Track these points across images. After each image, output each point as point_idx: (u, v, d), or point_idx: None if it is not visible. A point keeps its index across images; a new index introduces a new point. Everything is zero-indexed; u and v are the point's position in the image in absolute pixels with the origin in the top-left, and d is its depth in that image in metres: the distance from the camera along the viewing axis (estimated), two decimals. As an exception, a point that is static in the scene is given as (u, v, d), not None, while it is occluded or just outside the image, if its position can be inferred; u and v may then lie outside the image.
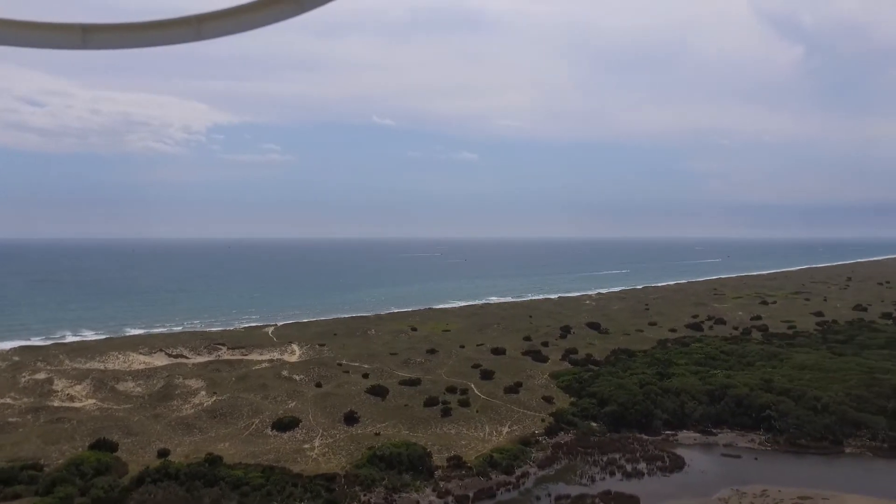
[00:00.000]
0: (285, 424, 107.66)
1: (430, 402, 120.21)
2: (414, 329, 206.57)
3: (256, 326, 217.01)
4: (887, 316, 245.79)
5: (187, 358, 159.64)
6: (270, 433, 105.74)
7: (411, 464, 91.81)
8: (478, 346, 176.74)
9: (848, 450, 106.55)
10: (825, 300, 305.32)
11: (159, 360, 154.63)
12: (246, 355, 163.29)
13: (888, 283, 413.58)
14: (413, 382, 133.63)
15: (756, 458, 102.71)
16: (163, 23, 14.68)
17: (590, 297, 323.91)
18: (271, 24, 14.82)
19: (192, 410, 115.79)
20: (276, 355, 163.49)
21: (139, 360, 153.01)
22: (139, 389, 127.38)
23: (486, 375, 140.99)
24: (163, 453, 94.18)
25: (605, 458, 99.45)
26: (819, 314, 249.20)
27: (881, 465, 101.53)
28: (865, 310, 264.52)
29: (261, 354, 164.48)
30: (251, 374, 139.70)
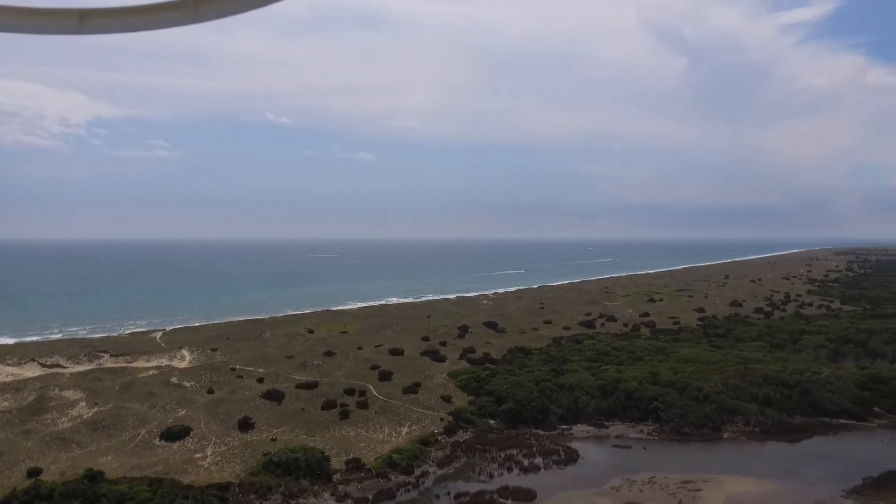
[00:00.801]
0: (175, 434, 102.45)
1: (328, 405, 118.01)
2: (311, 331, 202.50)
3: (143, 332, 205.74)
4: (759, 311, 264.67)
5: (64, 367, 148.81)
6: (159, 444, 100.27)
7: (309, 468, 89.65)
8: (376, 347, 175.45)
9: (726, 435, 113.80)
10: (706, 297, 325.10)
11: (31, 371, 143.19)
12: (131, 362, 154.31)
13: (760, 280, 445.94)
14: (310, 385, 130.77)
15: (645, 448, 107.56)
16: (160, 6, 14.42)
17: (487, 296, 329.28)
18: (271, 3, 14.43)
19: (70, 424, 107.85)
20: (164, 361, 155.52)
21: (6, 372, 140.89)
22: (5, 404, 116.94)
23: (385, 376, 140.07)
24: (33, 472, 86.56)
25: (502, 455, 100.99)
26: (701, 310, 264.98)
27: (754, 447, 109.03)
28: (741, 305, 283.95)
29: (148, 361, 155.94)
30: (137, 382, 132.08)
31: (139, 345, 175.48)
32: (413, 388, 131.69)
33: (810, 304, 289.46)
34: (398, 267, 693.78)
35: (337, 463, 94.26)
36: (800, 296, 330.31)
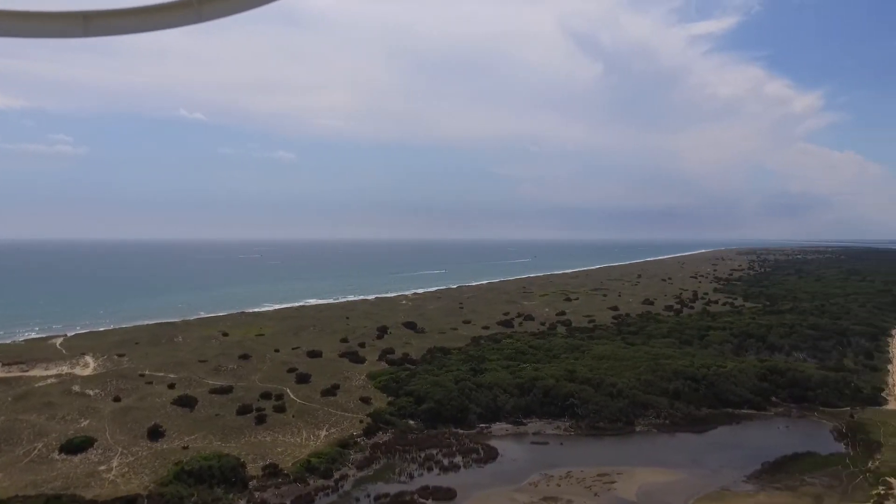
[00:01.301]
0: (76, 446, 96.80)
1: (244, 410, 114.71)
2: (225, 334, 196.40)
3: (41, 338, 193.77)
4: (670, 309, 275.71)
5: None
6: (58, 457, 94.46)
7: (223, 476, 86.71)
8: (293, 349, 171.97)
9: (638, 428, 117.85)
10: (620, 296, 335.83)
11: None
12: (27, 371, 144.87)
13: (670, 279, 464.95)
14: (225, 390, 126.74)
15: (562, 444, 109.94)
16: (164, 6, 14.52)
17: (406, 297, 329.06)
18: (272, 1, 15.18)
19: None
20: (65, 369, 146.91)
21: None
22: None
23: (303, 379, 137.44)
24: None
25: (422, 455, 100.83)
26: (615, 308, 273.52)
27: (664, 439, 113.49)
28: (652, 303, 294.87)
29: (46, 369, 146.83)
30: (33, 393, 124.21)
31: (36, 352, 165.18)
32: (332, 391, 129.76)
33: (716, 302, 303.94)
34: (317, 268, 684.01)
35: (253, 469, 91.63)
36: (707, 294, 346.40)
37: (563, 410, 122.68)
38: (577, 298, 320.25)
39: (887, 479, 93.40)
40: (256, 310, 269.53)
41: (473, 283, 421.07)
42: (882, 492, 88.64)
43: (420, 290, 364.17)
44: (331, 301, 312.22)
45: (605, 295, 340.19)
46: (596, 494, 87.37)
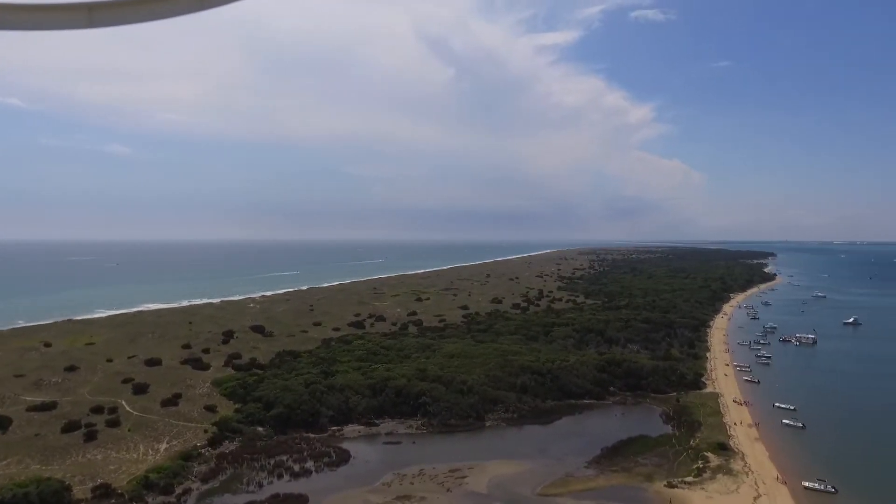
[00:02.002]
0: None
1: (71, 427, 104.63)
2: (48, 345, 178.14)
3: None
4: (517, 307, 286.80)
5: None
6: None
7: (43, 503, 78.24)
8: (129, 358, 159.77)
9: (488, 423, 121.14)
10: (469, 295, 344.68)
11: None
12: None
13: (517, 279, 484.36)
14: (47, 407, 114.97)
15: (414, 442, 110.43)
16: None
17: (254, 299, 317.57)
18: None
19: None
20: None
21: None
22: None
23: (140, 389, 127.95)
24: None
25: (272, 462, 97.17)
26: (465, 307, 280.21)
27: (513, 432, 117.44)
28: (500, 302, 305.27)
29: None
30: None
31: None
32: (173, 400, 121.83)
33: (560, 300, 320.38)
34: (158, 270, 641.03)
35: (81, 492, 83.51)
36: (551, 292, 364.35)
37: (416, 409, 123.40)
38: (428, 298, 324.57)
39: (706, 453, 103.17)
40: (87, 317, 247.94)
41: (324, 285, 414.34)
42: (701, 465, 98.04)
43: (269, 293, 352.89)
44: (172, 305, 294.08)
45: (455, 294, 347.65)
46: (448, 490, 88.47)
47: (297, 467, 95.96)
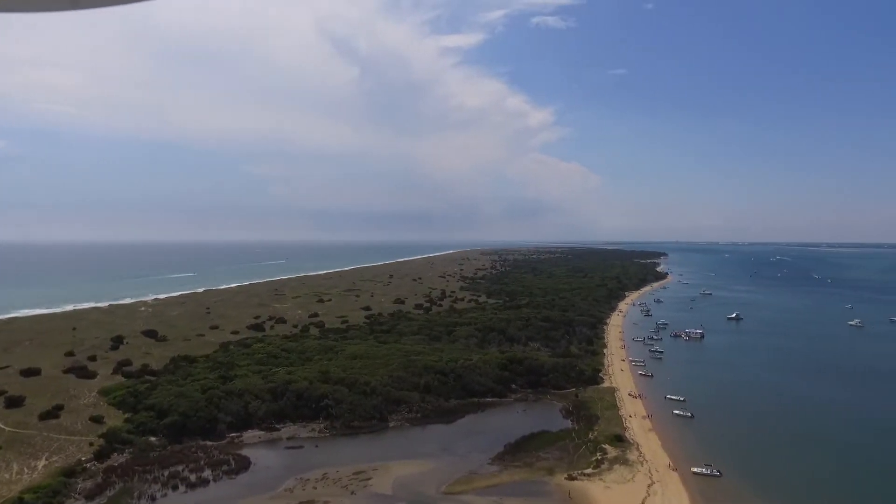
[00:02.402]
0: None
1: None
2: None
3: None
4: (420, 307, 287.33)
5: None
6: None
7: None
8: (2, 368, 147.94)
9: (392, 424, 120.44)
10: (372, 296, 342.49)
11: None
12: None
13: (420, 279, 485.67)
14: None
15: (317, 446, 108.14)
16: None
17: (146, 303, 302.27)
18: None
19: None
20: None
21: None
22: None
23: (14, 403, 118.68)
24: None
25: (166, 473, 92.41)
26: (367, 308, 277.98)
27: (417, 432, 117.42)
28: (403, 302, 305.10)
29: None
30: None
31: None
32: (53, 413, 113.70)
33: (462, 299, 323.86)
34: (37, 273, 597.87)
35: (-55, 514, 76.28)
36: (454, 292, 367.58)
37: (318, 412, 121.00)
38: (330, 299, 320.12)
39: (603, 445, 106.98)
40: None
41: (223, 287, 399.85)
42: (599, 457, 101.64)
43: (162, 296, 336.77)
44: (54, 311, 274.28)
45: (358, 295, 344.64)
46: (352, 493, 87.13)
47: (193, 477, 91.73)
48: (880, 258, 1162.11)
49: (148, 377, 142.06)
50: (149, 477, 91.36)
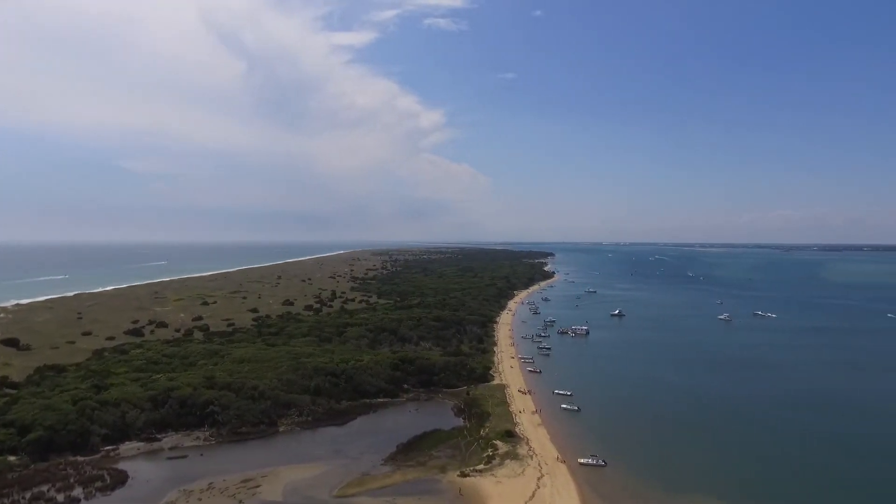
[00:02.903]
0: None
1: None
2: None
3: None
4: (310, 308, 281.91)
5: None
6: None
7: None
8: None
9: (282, 428, 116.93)
10: (260, 298, 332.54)
11: None
12: None
13: (310, 280, 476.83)
14: None
15: (202, 455, 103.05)
16: None
17: (6, 309, 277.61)
18: None
19: None
20: None
21: None
22: None
23: None
24: None
25: (28, 495, 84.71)
26: (255, 310, 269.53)
27: (308, 435, 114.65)
28: (292, 304, 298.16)
29: None
30: None
31: None
32: None
33: (353, 300, 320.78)
34: None
35: None
36: (344, 293, 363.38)
37: (203, 419, 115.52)
38: (215, 302, 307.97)
39: (494, 441, 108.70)
40: None
41: (97, 290, 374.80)
42: (491, 453, 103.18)
43: (26, 301, 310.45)
44: None
45: (244, 297, 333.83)
46: (240, 501, 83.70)
47: (61, 497, 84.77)
48: (745, 257, 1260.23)
49: (7, 390, 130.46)
50: (6, 501, 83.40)
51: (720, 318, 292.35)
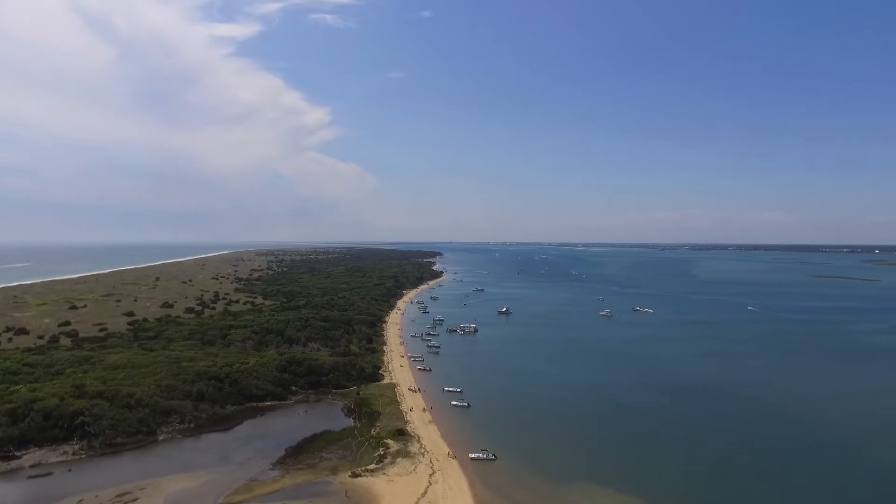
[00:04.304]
0: None
1: None
2: None
3: None
4: (191, 310, 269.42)
5: None
6: None
7: None
8: None
9: (162, 437, 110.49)
10: (136, 300, 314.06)
11: None
12: None
13: (191, 281, 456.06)
14: None
15: (70, 471, 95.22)
16: None
17: None
18: None
19: None
20: None
21: None
22: None
23: None
24: None
25: None
26: (130, 314, 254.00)
27: (190, 443, 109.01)
28: (172, 306, 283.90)
29: None
30: None
31: None
32: None
33: (238, 301, 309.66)
34: None
35: None
36: (228, 294, 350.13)
37: (72, 432, 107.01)
38: (84, 306, 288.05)
39: (386, 440, 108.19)
40: None
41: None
42: (382, 452, 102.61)
43: None
44: None
45: (118, 300, 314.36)
46: (114, 518, 78.14)
47: None
48: (624, 256, 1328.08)
49: None
50: None
51: (602, 315, 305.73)
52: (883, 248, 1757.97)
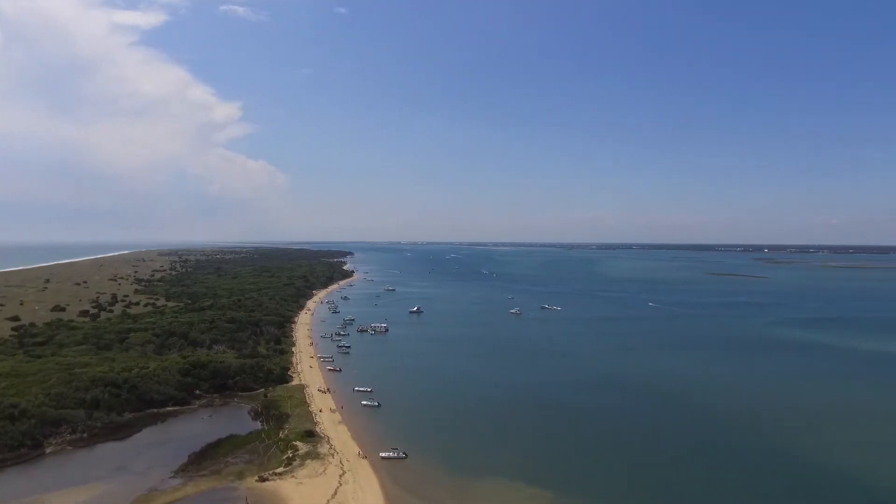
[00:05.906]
0: None
1: None
2: None
3: None
4: (85, 314, 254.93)
5: None
6: None
7: None
8: None
9: (49, 449, 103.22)
10: (22, 304, 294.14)
11: None
12: None
13: (86, 283, 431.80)
14: None
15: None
16: None
17: None
18: None
19: None
20: None
21: None
22: None
23: None
24: None
25: None
26: (16, 319, 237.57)
27: (83, 454, 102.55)
28: (64, 310, 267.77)
29: None
30: None
31: None
32: None
33: (137, 304, 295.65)
34: None
35: None
36: (127, 296, 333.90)
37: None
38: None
39: (295, 443, 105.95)
40: None
41: None
42: (291, 454, 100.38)
43: None
44: None
45: (2, 304, 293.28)
46: (-5, 537, 72.63)
47: None
48: (533, 255, 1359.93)
49: None
50: None
51: (511, 312, 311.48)
52: (772, 248, 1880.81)
